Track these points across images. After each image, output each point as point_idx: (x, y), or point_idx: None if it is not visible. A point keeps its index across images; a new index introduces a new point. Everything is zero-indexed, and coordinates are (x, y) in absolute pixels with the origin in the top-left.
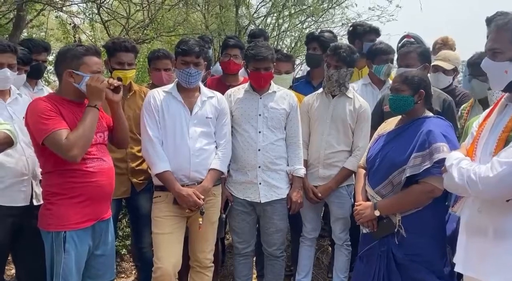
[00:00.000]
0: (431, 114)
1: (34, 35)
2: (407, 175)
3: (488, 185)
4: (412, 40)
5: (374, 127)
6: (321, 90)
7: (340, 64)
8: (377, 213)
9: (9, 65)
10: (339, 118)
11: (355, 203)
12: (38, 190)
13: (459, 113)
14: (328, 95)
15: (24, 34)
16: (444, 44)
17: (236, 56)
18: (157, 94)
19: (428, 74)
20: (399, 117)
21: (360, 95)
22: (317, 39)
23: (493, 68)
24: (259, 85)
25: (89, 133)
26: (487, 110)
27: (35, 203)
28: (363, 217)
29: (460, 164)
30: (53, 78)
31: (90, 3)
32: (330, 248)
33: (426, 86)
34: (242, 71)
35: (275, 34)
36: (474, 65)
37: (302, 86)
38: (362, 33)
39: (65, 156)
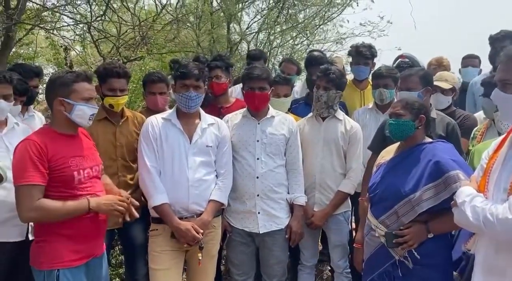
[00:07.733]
0: (430, 139)
1: (22, 51)
2: (424, 209)
3: (507, 226)
4: (407, 60)
5: (376, 152)
6: (310, 114)
7: (330, 86)
8: (430, 235)
9: (4, 96)
10: (331, 140)
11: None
12: None
13: (472, 134)
14: (318, 118)
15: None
16: (439, 65)
17: (218, 77)
18: (155, 121)
19: None
20: (396, 144)
21: (361, 120)
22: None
23: (504, 100)
24: (254, 107)
25: (58, 216)
26: (498, 140)
27: (30, 237)
28: (417, 242)
29: (474, 202)
30: (42, 97)
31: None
32: (329, 273)
33: (427, 112)
34: (238, 93)
35: (266, 51)
36: (487, 84)
37: (302, 108)
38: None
39: (18, 210)
